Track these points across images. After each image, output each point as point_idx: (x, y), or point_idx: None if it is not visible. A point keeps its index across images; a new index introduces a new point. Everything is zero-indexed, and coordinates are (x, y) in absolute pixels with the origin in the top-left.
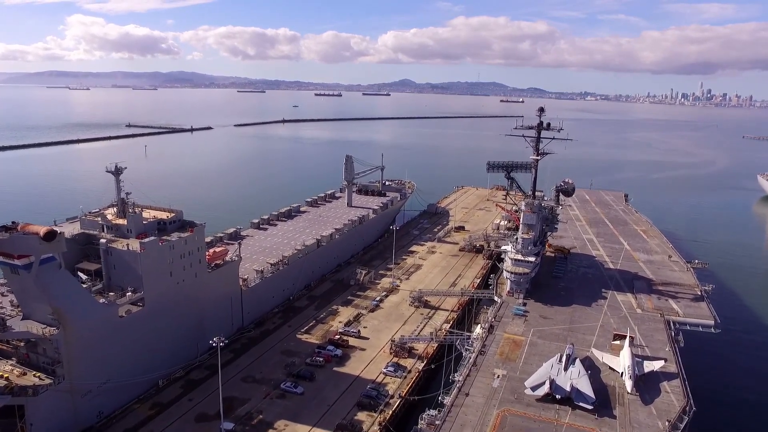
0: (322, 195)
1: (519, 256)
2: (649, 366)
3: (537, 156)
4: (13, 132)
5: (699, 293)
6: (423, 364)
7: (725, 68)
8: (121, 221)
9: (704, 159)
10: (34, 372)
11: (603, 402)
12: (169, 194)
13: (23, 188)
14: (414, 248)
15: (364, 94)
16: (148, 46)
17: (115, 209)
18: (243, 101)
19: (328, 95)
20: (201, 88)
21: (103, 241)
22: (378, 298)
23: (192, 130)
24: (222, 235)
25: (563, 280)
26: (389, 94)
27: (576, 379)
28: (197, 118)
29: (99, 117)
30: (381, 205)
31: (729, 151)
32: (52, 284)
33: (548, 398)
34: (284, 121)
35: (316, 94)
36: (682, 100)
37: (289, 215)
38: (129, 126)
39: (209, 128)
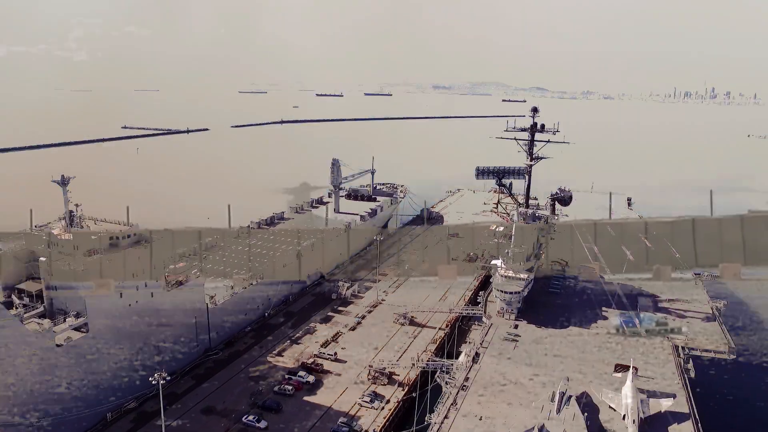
0: (309, 200)
1: (510, 273)
2: (656, 406)
3: (530, 161)
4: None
5: (710, 311)
6: (404, 393)
7: None
8: (68, 236)
9: (709, 159)
10: None
11: None
12: (150, 201)
13: None
14: (404, 257)
15: (365, 94)
16: None
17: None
18: (243, 102)
19: (329, 95)
20: None
21: (42, 259)
22: (360, 315)
23: (188, 131)
24: (196, 246)
25: (560, 296)
26: (391, 94)
27: (570, 423)
28: (195, 119)
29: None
30: (370, 210)
31: (734, 150)
32: None
33: None
34: (282, 122)
35: (317, 95)
36: (685, 99)
37: (272, 223)
38: (124, 128)
39: (206, 129)
